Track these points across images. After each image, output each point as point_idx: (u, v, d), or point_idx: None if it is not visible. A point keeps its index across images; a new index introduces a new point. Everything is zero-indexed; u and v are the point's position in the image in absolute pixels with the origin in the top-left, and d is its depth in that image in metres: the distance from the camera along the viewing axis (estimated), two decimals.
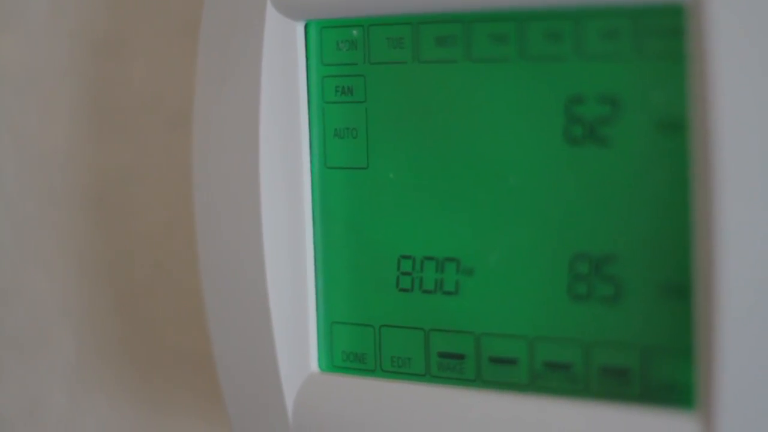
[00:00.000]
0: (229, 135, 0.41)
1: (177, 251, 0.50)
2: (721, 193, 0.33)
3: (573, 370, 0.37)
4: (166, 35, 0.50)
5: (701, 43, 0.33)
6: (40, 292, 0.53)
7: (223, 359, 0.42)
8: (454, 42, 0.38)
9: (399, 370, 0.40)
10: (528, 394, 0.37)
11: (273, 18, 0.40)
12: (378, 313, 0.40)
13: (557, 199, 0.37)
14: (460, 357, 0.39)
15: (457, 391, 0.38)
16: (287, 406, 0.41)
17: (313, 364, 0.41)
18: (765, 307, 0.33)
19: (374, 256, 0.40)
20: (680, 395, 0.35)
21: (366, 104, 0.40)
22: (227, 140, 0.41)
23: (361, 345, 0.41)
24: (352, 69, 0.40)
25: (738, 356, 0.33)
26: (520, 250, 0.37)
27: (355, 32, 0.40)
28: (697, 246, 0.34)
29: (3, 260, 0.54)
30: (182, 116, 0.49)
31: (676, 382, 0.35)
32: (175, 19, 0.49)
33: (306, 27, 0.41)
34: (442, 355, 0.39)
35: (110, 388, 0.52)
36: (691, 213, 0.34)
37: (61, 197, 0.52)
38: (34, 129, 0.53)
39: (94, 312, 0.52)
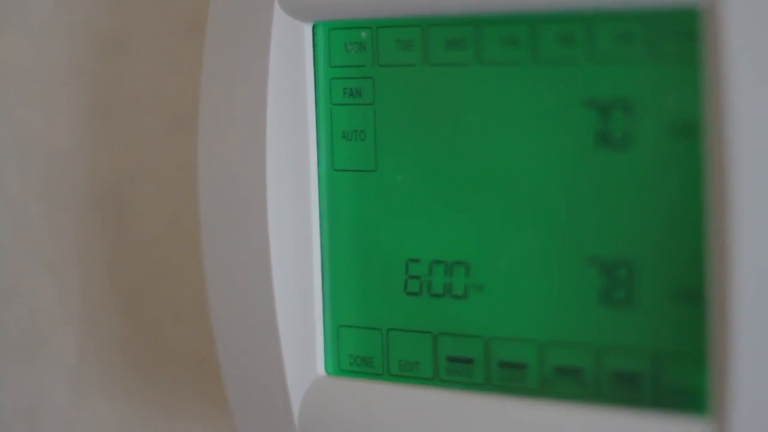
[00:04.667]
0: (236, 136, 0.40)
1: (180, 253, 0.50)
2: (736, 197, 0.33)
3: (584, 375, 0.37)
4: (170, 34, 0.49)
5: (716, 47, 0.33)
6: (42, 294, 0.53)
7: (228, 362, 0.42)
8: (464, 45, 0.38)
9: (407, 374, 0.40)
10: (538, 399, 0.37)
11: (280, 19, 0.40)
12: (386, 316, 0.40)
13: (569, 203, 0.37)
14: (469, 361, 0.39)
15: (466, 396, 0.38)
16: (293, 410, 0.41)
17: (320, 368, 0.41)
18: None
19: (382, 259, 0.40)
20: (693, 401, 0.35)
21: (374, 106, 0.40)
22: (233, 142, 0.40)
23: (368, 349, 0.40)
24: (360, 71, 0.40)
25: (751, 361, 0.33)
26: (531, 254, 0.37)
27: (363, 34, 0.40)
28: (710, 250, 0.34)
29: (4, 261, 0.54)
30: (185, 116, 0.49)
31: (688, 388, 0.35)
32: (178, 18, 0.49)
33: (314, 28, 0.40)
34: (451, 359, 0.39)
35: (112, 391, 0.52)
36: (705, 217, 0.34)
37: (63, 198, 0.52)
38: (35, 129, 0.52)
39: (95, 314, 0.52)
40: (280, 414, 0.41)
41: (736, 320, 0.33)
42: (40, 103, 0.52)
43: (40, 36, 0.52)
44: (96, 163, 0.51)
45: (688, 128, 0.34)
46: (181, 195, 0.49)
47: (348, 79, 0.40)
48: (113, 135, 0.51)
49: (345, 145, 0.40)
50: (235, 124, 0.40)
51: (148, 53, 0.50)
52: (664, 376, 0.35)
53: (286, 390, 0.40)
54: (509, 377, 0.38)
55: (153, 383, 0.51)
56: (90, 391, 0.52)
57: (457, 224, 0.39)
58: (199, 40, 0.46)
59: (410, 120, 0.39)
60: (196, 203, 0.47)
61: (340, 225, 0.41)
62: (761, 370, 0.33)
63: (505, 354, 0.38)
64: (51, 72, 0.52)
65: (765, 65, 0.32)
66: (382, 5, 0.38)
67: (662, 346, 0.35)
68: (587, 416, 0.36)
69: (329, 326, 0.41)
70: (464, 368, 0.39)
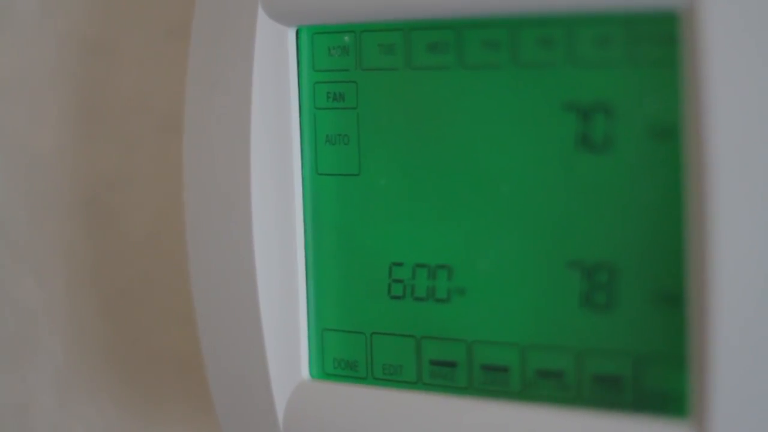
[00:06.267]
0: (220, 141, 0.40)
1: (166, 256, 0.50)
2: (715, 200, 0.33)
3: (565, 378, 0.37)
4: (156, 38, 0.49)
5: (695, 50, 0.33)
6: (28, 297, 0.53)
7: (213, 366, 0.42)
8: (446, 48, 0.38)
9: (390, 377, 0.40)
10: (520, 402, 0.37)
11: (264, 23, 0.40)
12: (369, 320, 0.40)
13: (550, 207, 0.37)
14: (452, 365, 0.39)
15: (449, 399, 0.38)
16: (278, 414, 0.41)
17: (304, 372, 0.41)
18: (759, 315, 0.33)
19: (366, 263, 0.40)
20: (673, 403, 0.35)
21: (357, 110, 0.40)
22: (218, 146, 0.41)
23: (352, 352, 0.40)
24: (343, 75, 0.40)
25: (731, 364, 0.33)
26: (513, 257, 0.37)
27: (346, 38, 0.40)
28: (690, 254, 0.34)
29: None
30: (171, 120, 0.49)
31: (669, 390, 0.35)
32: (164, 22, 0.49)
33: (297, 33, 0.40)
34: (434, 362, 0.39)
35: (99, 394, 0.52)
36: (685, 220, 0.34)
37: (49, 201, 0.52)
38: (22, 132, 0.52)
39: (82, 317, 0.52)
40: (265, 417, 0.41)
41: (716, 323, 0.33)
42: (26, 106, 0.52)
43: (26, 40, 0.52)
44: (82, 166, 0.51)
45: (668, 131, 0.35)
46: (167, 198, 0.49)
47: (331, 83, 0.40)
48: (99, 138, 0.51)
49: (329, 149, 0.40)
50: (219, 128, 0.41)
51: (133, 57, 0.50)
52: (644, 379, 0.36)
53: (270, 394, 0.41)
54: (492, 380, 0.38)
55: (139, 386, 0.51)
56: (76, 394, 0.52)
57: (439, 228, 0.39)
58: (185, 44, 0.46)
59: (393, 124, 0.39)
60: (181, 207, 0.47)
61: (324, 229, 0.41)
62: (741, 372, 0.33)
63: (488, 357, 0.38)
64: (37, 76, 0.52)
65: (743, 68, 0.32)
66: (364, 10, 0.39)
67: (643, 349, 0.35)
68: (569, 419, 0.36)
69: (313, 330, 0.41)
70: (447, 372, 0.39)
